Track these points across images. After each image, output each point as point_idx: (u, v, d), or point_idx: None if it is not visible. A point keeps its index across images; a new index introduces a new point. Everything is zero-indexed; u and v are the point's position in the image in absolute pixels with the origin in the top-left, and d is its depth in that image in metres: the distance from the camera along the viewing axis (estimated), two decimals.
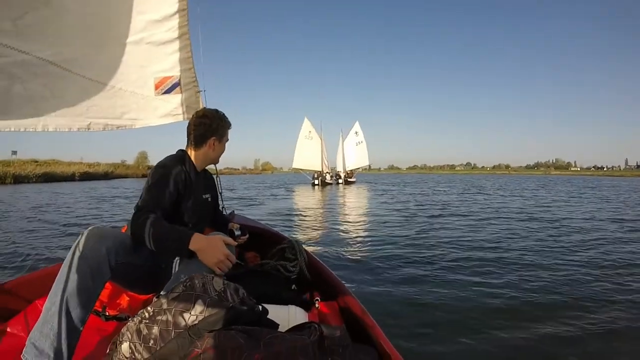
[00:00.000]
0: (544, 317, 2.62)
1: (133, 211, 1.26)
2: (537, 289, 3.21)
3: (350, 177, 36.71)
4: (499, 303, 2.88)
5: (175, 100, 2.11)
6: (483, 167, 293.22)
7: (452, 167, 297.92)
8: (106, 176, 46.07)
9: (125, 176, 52.90)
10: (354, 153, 39.16)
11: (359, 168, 40.14)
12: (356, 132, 39.36)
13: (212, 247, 1.17)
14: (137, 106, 2.01)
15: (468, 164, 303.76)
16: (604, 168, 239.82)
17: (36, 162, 41.89)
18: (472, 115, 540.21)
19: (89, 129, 1.81)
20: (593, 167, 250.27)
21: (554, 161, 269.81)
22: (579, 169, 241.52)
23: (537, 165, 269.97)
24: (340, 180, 34.50)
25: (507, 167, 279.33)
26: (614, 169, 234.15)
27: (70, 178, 37.93)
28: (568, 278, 3.54)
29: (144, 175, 58.62)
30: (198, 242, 1.16)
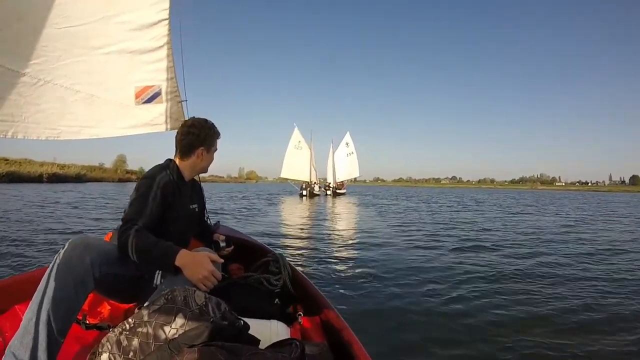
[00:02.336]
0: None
1: (120, 223, 1.27)
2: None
3: (340, 189, 36.42)
4: (495, 327, 2.80)
5: (155, 110, 2.12)
6: (468, 180, 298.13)
7: (438, 180, 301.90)
8: (78, 179, 43.69)
9: (101, 180, 50.48)
10: (345, 164, 39.06)
11: (348, 179, 39.94)
12: (347, 143, 39.33)
13: (197, 264, 1.18)
14: (116, 115, 2.02)
15: (454, 177, 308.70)
16: (588, 183, 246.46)
17: (6, 160, 39.62)
18: (457, 129, 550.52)
19: (58, 137, 1.81)
20: (578, 182, 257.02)
21: (539, 176, 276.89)
22: (563, 184, 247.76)
23: (522, 180, 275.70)
24: (328, 192, 34.05)
25: (493, 181, 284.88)
26: (599, 184, 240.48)
27: (37, 179, 35.96)
28: None
29: (120, 180, 56.23)
30: (184, 258, 1.18)
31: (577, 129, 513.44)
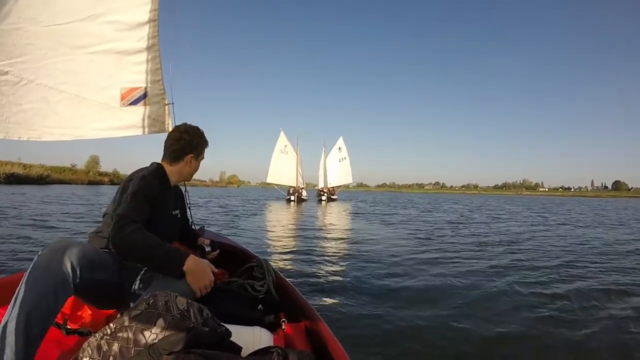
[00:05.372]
0: None
1: (106, 221, 1.27)
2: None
3: (333, 195, 35.69)
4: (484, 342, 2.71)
5: (141, 112, 2.12)
6: (452, 186, 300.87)
7: (421, 186, 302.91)
8: (40, 180, 40.29)
9: (69, 182, 47.41)
10: (337, 169, 38.27)
11: (340, 186, 39.09)
12: (339, 148, 38.59)
13: (203, 271, 1.22)
14: (101, 116, 2.01)
15: (437, 183, 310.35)
16: (571, 189, 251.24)
17: None
18: (437, 135, 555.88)
19: (40, 138, 1.79)
20: (561, 187, 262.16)
21: (522, 182, 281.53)
22: (547, 190, 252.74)
23: (505, 186, 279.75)
24: (323, 197, 32.92)
25: (476, 186, 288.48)
26: (581, 189, 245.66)
27: None
28: None
29: (90, 182, 53.95)
30: (192, 263, 1.21)
31: (557, 135, 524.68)
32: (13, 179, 35.69)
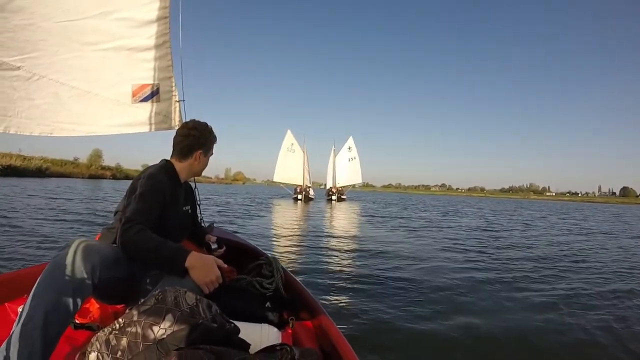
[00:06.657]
0: None
1: (117, 218, 1.26)
2: None
3: (342, 194, 35.26)
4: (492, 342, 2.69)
5: (152, 109, 2.13)
6: (458, 188, 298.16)
7: (428, 187, 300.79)
8: (39, 173, 39.08)
9: (69, 175, 46.36)
10: (347, 169, 37.95)
11: (349, 186, 38.67)
12: (349, 148, 38.35)
13: (207, 267, 1.21)
14: (112, 113, 2.02)
15: (443, 185, 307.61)
16: (578, 194, 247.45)
17: None
18: (444, 137, 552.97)
19: (52, 133, 1.81)
20: (568, 192, 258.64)
21: (529, 185, 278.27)
22: (554, 194, 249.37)
23: (512, 189, 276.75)
24: (333, 197, 32.35)
25: (483, 189, 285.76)
26: (588, 195, 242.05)
27: None
28: None
29: (91, 176, 52.81)
30: (194, 259, 1.20)
31: (562, 138, 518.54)
32: (10, 171, 34.98)
